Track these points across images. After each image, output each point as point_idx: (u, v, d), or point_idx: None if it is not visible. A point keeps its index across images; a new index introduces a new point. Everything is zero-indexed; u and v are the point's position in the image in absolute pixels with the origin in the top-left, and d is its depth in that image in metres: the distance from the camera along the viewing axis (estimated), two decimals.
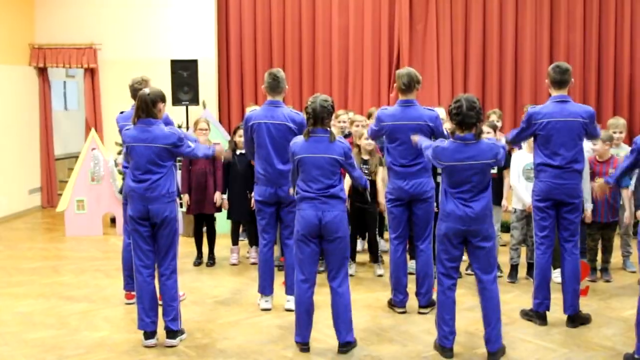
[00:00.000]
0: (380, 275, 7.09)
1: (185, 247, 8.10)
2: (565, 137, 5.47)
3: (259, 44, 11.32)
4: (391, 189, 5.93)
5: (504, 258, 7.26)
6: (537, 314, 5.70)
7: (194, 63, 10.04)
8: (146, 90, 5.15)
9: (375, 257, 7.34)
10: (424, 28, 11.08)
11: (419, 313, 5.92)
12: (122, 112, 6.21)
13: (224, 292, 6.63)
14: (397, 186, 5.86)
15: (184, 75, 10.01)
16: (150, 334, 5.20)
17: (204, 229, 7.73)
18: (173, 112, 9.84)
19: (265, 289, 6.07)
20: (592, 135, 5.73)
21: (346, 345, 5.04)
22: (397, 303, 6.01)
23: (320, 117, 4.93)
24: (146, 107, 5.09)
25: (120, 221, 8.82)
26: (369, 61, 11.09)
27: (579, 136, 5.51)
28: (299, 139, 5.05)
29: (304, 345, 5.05)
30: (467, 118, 4.73)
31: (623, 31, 10.83)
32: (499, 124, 8.03)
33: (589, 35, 10.88)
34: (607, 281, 6.96)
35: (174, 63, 10.04)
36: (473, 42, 10.99)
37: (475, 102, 4.78)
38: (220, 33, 11.37)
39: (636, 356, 4.74)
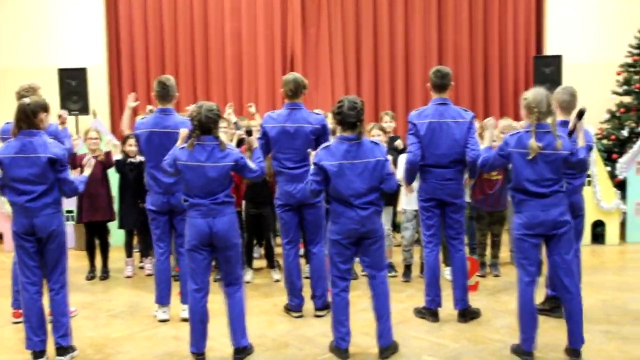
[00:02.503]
0: (277, 281, 7.10)
1: (78, 260, 7.89)
2: (446, 139, 5.65)
3: (151, 51, 11.12)
4: (279, 194, 5.97)
5: (398, 258, 7.42)
6: (429, 311, 5.85)
7: (82, 71, 9.76)
8: (26, 100, 4.95)
9: (271, 262, 7.36)
10: (317, 32, 11.17)
11: (316, 316, 5.97)
12: (8, 123, 5.98)
13: (118, 306, 6.48)
14: (284, 191, 5.90)
15: (73, 84, 9.71)
16: (39, 354, 5.02)
17: (97, 242, 7.53)
18: None
19: (163, 299, 5.98)
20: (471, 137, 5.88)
21: (241, 351, 5.02)
22: (293, 307, 6.04)
23: (207, 127, 4.88)
24: (26, 117, 4.90)
25: (8, 237, 8.48)
26: (262, 66, 11.09)
27: (460, 137, 5.69)
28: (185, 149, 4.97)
29: (199, 355, 5.00)
30: (347, 117, 4.84)
31: (507, 33, 11.26)
32: (393, 125, 8.18)
33: (475, 37, 11.26)
34: (496, 276, 7.23)
35: (62, 72, 9.73)
36: (365, 46, 11.16)
37: (357, 102, 4.89)
38: (110, 40, 11.11)
39: (523, 348, 4.95)
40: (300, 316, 5.98)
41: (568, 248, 4.86)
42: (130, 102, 6.88)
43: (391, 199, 7.11)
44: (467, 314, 5.83)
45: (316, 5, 11.10)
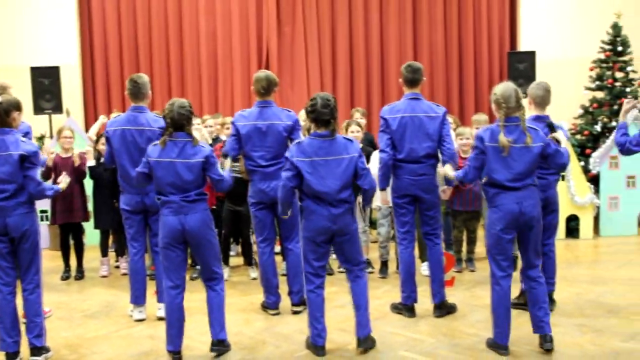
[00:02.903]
0: (254, 279, 7.09)
1: (53, 261, 7.82)
2: (418, 133, 5.67)
3: (125, 50, 11.04)
4: (253, 192, 5.95)
5: (374, 254, 7.45)
6: (406, 307, 5.88)
7: (55, 70, 9.66)
8: None
9: (249, 260, 7.34)
10: (292, 31, 11.16)
11: (293, 312, 5.97)
12: None
13: (93, 306, 6.43)
14: (258, 189, 5.89)
15: (46, 83, 9.61)
16: (12, 355, 4.96)
17: (72, 241, 7.48)
18: (35, 121, 9.45)
19: (138, 298, 5.94)
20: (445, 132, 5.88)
21: (219, 343, 5.02)
22: (269, 305, 6.03)
23: (179, 124, 4.86)
24: None
25: None
26: (238, 65, 11.05)
27: (432, 132, 5.71)
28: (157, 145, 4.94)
29: (176, 354, 4.97)
30: (321, 115, 4.86)
31: (481, 29, 11.33)
32: (364, 121, 8.22)
33: (450, 35, 11.32)
34: (472, 271, 7.28)
35: (34, 70, 9.63)
36: (340, 44, 11.17)
37: (330, 99, 4.90)
38: (84, 39, 11.01)
39: (497, 342, 4.99)
40: (277, 314, 5.97)
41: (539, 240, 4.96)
42: (103, 118, 7.07)
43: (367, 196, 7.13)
44: (444, 308, 5.86)
45: (291, 4, 11.09)
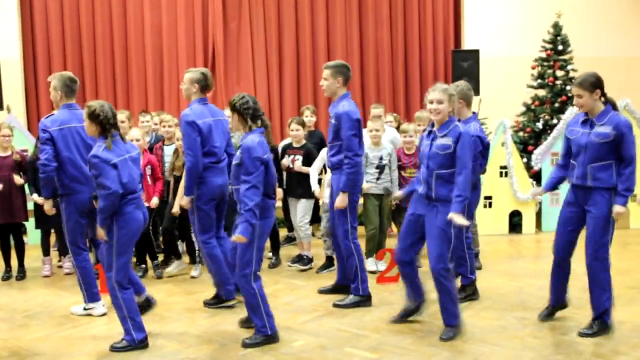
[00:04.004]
0: (193, 277, 7.06)
1: None
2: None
3: (68, 44, 10.85)
4: (207, 189, 5.90)
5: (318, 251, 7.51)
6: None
7: None
8: None
9: (193, 258, 7.30)
10: (238, 27, 11.12)
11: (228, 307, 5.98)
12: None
13: (34, 306, 6.29)
14: (216, 185, 5.93)
15: None
16: None
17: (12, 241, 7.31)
18: None
19: (96, 295, 5.91)
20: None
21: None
22: (227, 295, 6.02)
23: (115, 122, 5.01)
24: None
25: None
26: (184, 60, 10.96)
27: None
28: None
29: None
30: (257, 111, 5.05)
31: (426, 27, 11.48)
32: (314, 119, 8.25)
33: (395, 33, 11.43)
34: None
35: None
36: (286, 40, 11.18)
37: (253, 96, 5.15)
38: (25, 32, 10.78)
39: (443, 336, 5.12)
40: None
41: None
42: None
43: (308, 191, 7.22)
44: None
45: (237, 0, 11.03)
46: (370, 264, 6.97)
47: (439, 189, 5.00)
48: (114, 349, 5.02)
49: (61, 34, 10.82)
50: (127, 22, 10.95)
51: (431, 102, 4.98)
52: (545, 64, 10.24)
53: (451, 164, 4.97)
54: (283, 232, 8.41)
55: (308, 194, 7.23)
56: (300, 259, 7.37)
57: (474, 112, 5.93)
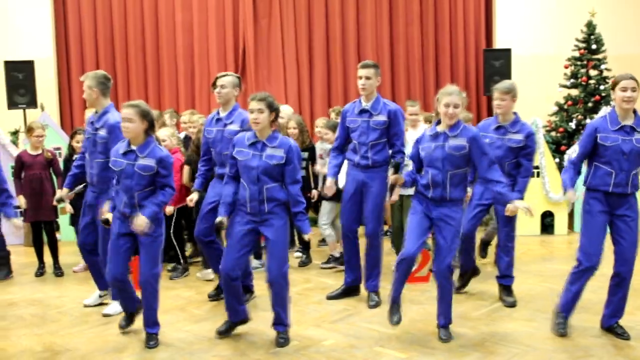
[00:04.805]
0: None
1: (28, 257, 7.76)
2: None
3: (101, 43, 10.97)
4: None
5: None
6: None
7: (29, 64, 9.54)
8: None
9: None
10: (269, 24, 11.14)
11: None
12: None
13: (67, 302, 6.36)
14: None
15: (20, 77, 9.49)
16: None
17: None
18: (9, 116, 9.38)
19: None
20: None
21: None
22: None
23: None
24: None
25: None
26: (214, 58, 11.03)
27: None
28: None
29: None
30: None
31: (457, 25, 11.40)
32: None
33: (426, 31, 11.37)
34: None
35: (8, 64, 9.51)
36: (317, 37, 11.18)
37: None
38: (59, 32, 10.93)
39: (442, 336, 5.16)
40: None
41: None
42: None
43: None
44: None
45: None
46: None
47: (453, 190, 4.98)
48: (151, 346, 5.11)
49: (94, 34, 10.95)
50: (158, 21, 11.05)
51: (447, 106, 4.92)
52: (579, 63, 10.11)
53: (464, 164, 4.97)
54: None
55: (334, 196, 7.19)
56: (334, 259, 7.41)
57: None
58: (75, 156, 7.24)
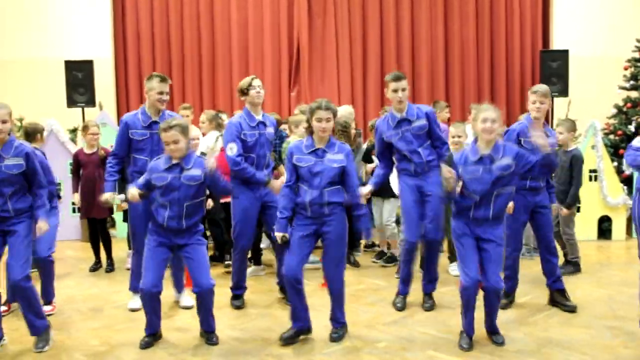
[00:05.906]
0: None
1: (84, 252, 7.92)
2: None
3: (157, 42, 11.12)
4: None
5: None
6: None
7: (89, 64, 9.72)
8: None
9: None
10: (323, 23, 11.15)
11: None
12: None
13: (122, 297, 6.43)
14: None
15: (79, 76, 9.69)
16: None
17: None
18: (68, 114, 9.59)
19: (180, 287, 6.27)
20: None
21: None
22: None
23: None
24: None
25: None
26: (269, 57, 11.08)
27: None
28: None
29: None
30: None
31: (513, 26, 11.25)
32: None
33: (482, 31, 11.25)
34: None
35: (68, 64, 9.72)
36: (371, 38, 11.15)
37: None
38: (117, 32, 11.11)
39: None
40: None
41: None
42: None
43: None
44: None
45: None
46: (454, 268, 6.89)
47: (499, 208, 4.93)
48: (212, 342, 5.19)
49: (150, 34, 11.10)
50: (214, 21, 11.14)
51: (485, 121, 4.79)
52: (639, 64, 9.88)
53: (511, 181, 4.89)
54: None
55: (393, 194, 7.19)
56: (383, 255, 7.53)
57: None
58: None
